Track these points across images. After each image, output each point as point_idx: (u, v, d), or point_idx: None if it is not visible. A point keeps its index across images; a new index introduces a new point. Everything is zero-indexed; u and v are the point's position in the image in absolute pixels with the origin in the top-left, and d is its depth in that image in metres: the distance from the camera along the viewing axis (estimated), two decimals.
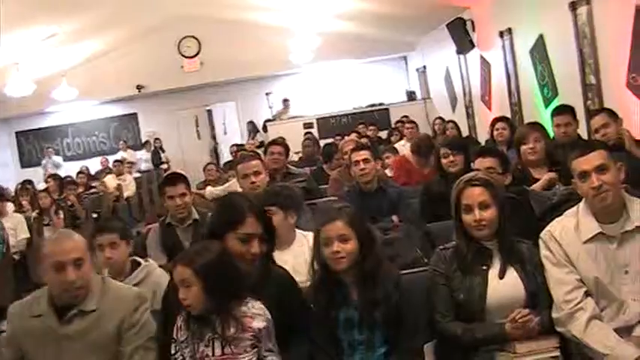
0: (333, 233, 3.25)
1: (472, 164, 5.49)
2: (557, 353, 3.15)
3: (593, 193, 3.23)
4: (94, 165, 17.84)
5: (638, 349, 2.99)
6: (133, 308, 3.25)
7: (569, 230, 3.30)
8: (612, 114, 5.63)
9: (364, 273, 3.26)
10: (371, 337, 3.25)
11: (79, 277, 3.14)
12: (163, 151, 18.76)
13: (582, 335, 3.11)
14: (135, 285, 4.06)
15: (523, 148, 5.45)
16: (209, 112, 20.28)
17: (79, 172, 15.02)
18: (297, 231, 4.33)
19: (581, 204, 3.34)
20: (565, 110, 6.29)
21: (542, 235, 3.37)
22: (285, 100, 18.32)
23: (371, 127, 14.38)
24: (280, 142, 7.46)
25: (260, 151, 9.46)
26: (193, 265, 2.91)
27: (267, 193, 4.46)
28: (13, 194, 12.30)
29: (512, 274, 3.30)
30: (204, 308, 2.91)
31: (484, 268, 3.33)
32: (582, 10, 8.21)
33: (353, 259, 3.24)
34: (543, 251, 3.33)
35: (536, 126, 5.77)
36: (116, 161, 15.99)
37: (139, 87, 17.84)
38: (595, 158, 3.24)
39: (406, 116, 15.46)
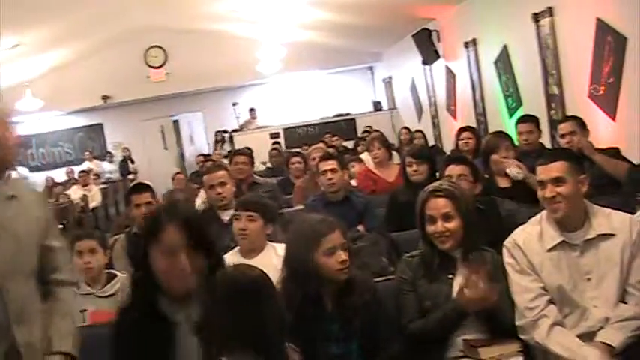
0: (339, 242, 3.13)
1: (438, 174, 5.56)
2: (520, 357, 3.18)
3: (546, 203, 3.31)
4: (59, 176, 17.68)
5: (600, 352, 3.04)
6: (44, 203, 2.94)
7: (532, 238, 3.34)
8: (581, 123, 5.71)
9: (347, 282, 3.17)
10: (348, 349, 3.15)
11: None
12: (132, 162, 18.64)
13: (545, 341, 3.15)
14: (109, 296, 4.06)
15: (494, 157, 5.48)
16: (175, 122, 20.21)
17: (56, 184, 14.93)
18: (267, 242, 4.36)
19: (544, 212, 3.39)
20: (528, 119, 6.39)
21: (506, 242, 3.41)
22: (252, 110, 18.32)
23: (334, 138, 14.46)
24: (245, 152, 7.43)
25: (227, 161, 9.46)
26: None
27: (250, 200, 4.51)
28: None
29: None
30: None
31: (450, 277, 3.36)
32: (545, 22, 8.33)
33: None
34: (507, 259, 3.36)
35: (505, 135, 5.83)
36: (82, 172, 15.88)
37: (104, 97, 17.70)
38: (553, 170, 3.29)
39: (369, 126, 15.61)
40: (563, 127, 5.73)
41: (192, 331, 2.53)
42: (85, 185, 14.86)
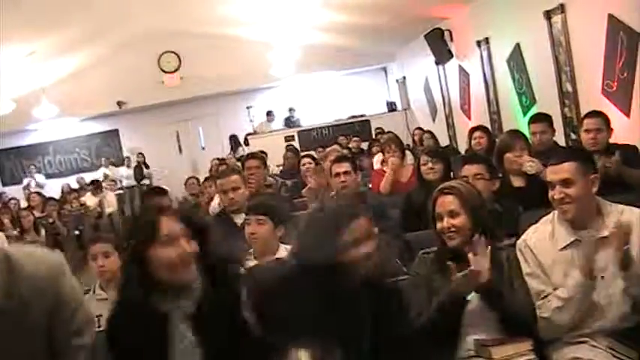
0: (364, 231, 2.90)
1: (452, 173, 5.55)
2: (532, 356, 3.13)
3: (555, 204, 3.31)
4: (75, 183, 17.77)
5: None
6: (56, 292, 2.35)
7: (544, 239, 3.33)
8: (607, 120, 5.52)
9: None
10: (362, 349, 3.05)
11: None
12: (147, 167, 18.66)
13: (550, 311, 3.20)
14: None
15: (508, 156, 5.41)
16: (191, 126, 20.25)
17: (72, 190, 15.02)
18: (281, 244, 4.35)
19: (556, 211, 3.37)
20: (541, 118, 6.35)
21: (517, 243, 3.41)
22: (269, 113, 18.37)
23: (355, 139, 14.48)
24: (257, 155, 7.40)
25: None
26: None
27: (258, 204, 4.51)
28: None
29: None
30: None
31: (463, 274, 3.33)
32: (557, 19, 8.32)
33: None
34: (520, 260, 3.36)
35: (519, 134, 5.76)
36: (92, 181, 15.85)
37: (119, 103, 17.76)
38: (562, 171, 3.28)
39: (379, 128, 15.63)
40: (590, 123, 5.50)
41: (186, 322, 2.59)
42: (95, 193, 14.89)
